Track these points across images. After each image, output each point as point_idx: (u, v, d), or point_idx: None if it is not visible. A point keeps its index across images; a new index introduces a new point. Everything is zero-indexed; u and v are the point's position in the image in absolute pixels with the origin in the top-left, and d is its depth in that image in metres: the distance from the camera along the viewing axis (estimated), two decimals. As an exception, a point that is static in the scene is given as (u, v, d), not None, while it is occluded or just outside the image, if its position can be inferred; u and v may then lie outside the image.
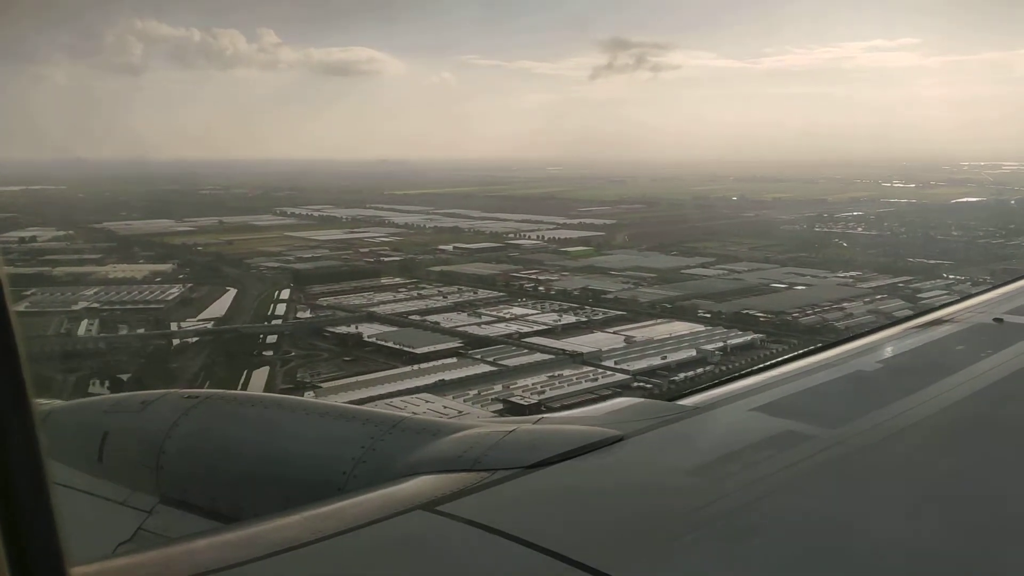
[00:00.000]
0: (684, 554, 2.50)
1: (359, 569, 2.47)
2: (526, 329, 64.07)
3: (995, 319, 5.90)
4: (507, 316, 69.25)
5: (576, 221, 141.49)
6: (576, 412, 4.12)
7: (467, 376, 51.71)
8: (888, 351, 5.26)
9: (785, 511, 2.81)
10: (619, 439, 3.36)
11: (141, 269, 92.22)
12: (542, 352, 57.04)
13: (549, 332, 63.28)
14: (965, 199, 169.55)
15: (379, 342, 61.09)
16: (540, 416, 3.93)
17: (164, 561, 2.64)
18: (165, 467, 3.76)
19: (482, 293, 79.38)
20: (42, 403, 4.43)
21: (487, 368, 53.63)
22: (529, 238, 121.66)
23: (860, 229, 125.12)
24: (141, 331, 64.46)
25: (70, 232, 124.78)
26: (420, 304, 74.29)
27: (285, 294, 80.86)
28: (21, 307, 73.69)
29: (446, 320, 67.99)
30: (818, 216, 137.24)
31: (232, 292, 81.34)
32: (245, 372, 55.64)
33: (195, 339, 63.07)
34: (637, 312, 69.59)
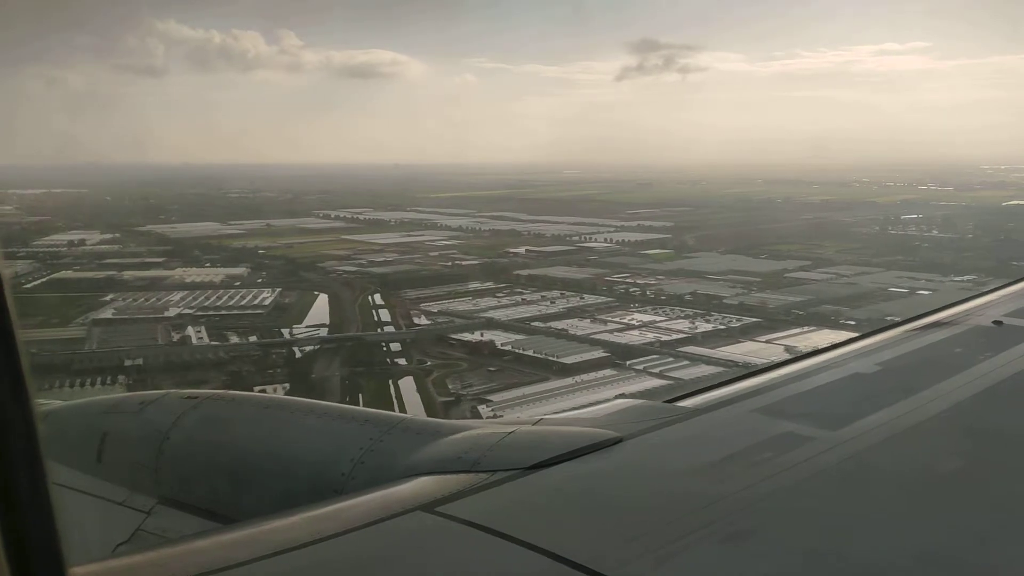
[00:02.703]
0: (683, 556, 2.46)
1: (358, 570, 2.45)
2: (666, 337, 60.11)
3: (995, 321, 5.78)
4: (634, 323, 65.20)
5: (633, 223, 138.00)
6: (575, 413, 4.04)
7: (646, 390, 47.56)
8: (887, 353, 5.09)
9: (784, 514, 2.80)
10: (618, 440, 3.34)
11: (215, 273, 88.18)
12: (706, 363, 53.01)
13: (692, 340, 59.33)
14: (1014, 202, 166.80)
15: (516, 351, 57.05)
16: (539, 417, 3.79)
17: (163, 562, 2.60)
18: (164, 468, 3.73)
19: (588, 298, 75.47)
20: (42, 403, 4.19)
21: (659, 381, 49.55)
22: (596, 240, 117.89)
23: (935, 232, 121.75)
24: (254, 339, 60.26)
25: (116, 235, 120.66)
26: (531, 310, 70.35)
27: (378, 299, 77.00)
28: (107, 314, 69.65)
29: (571, 327, 64.04)
30: (885, 218, 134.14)
31: (323, 297, 77.39)
32: (390, 382, 51.60)
33: (316, 347, 58.91)
34: (772, 319, 65.62)
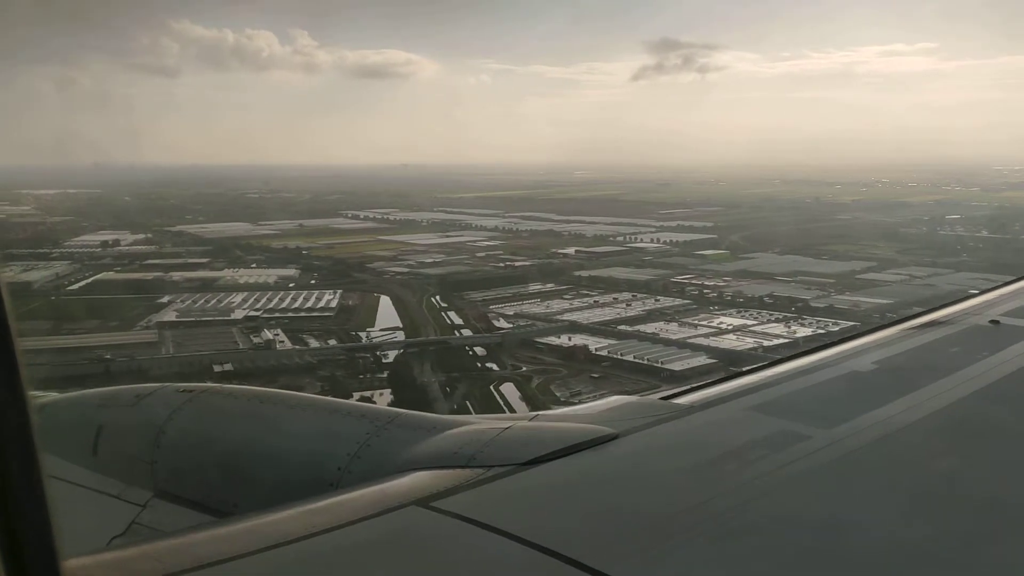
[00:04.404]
0: (677, 552, 2.47)
1: (353, 564, 2.45)
2: (767, 342, 57.53)
3: (991, 321, 5.68)
4: (724, 326, 62.73)
5: (672, 224, 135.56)
6: (571, 410, 4.05)
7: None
8: (884, 352, 5.01)
9: (778, 511, 2.80)
10: (613, 437, 3.33)
11: (265, 274, 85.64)
12: (824, 368, 50.42)
13: (796, 345, 56.76)
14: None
15: (614, 356, 54.50)
16: (535, 413, 3.77)
17: (157, 555, 2.60)
18: (159, 461, 3.72)
19: (663, 301, 72.95)
20: (37, 396, 4.14)
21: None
22: (642, 241, 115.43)
23: (984, 232, 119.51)
24: (334, 343, 57.56)
25: (148, 235, 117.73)
26: (609, 312, 67.89)
27: (440, 301, 74.40)
28: (171, 316, 66.93)
29: (660, 331, 61.48)
30: (930, 218, 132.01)
31: (384, 299, 74.79)
32: (492, 388, 48.99)
33: (400, 351, 56.23)
34: (868, 324, 63.09)
